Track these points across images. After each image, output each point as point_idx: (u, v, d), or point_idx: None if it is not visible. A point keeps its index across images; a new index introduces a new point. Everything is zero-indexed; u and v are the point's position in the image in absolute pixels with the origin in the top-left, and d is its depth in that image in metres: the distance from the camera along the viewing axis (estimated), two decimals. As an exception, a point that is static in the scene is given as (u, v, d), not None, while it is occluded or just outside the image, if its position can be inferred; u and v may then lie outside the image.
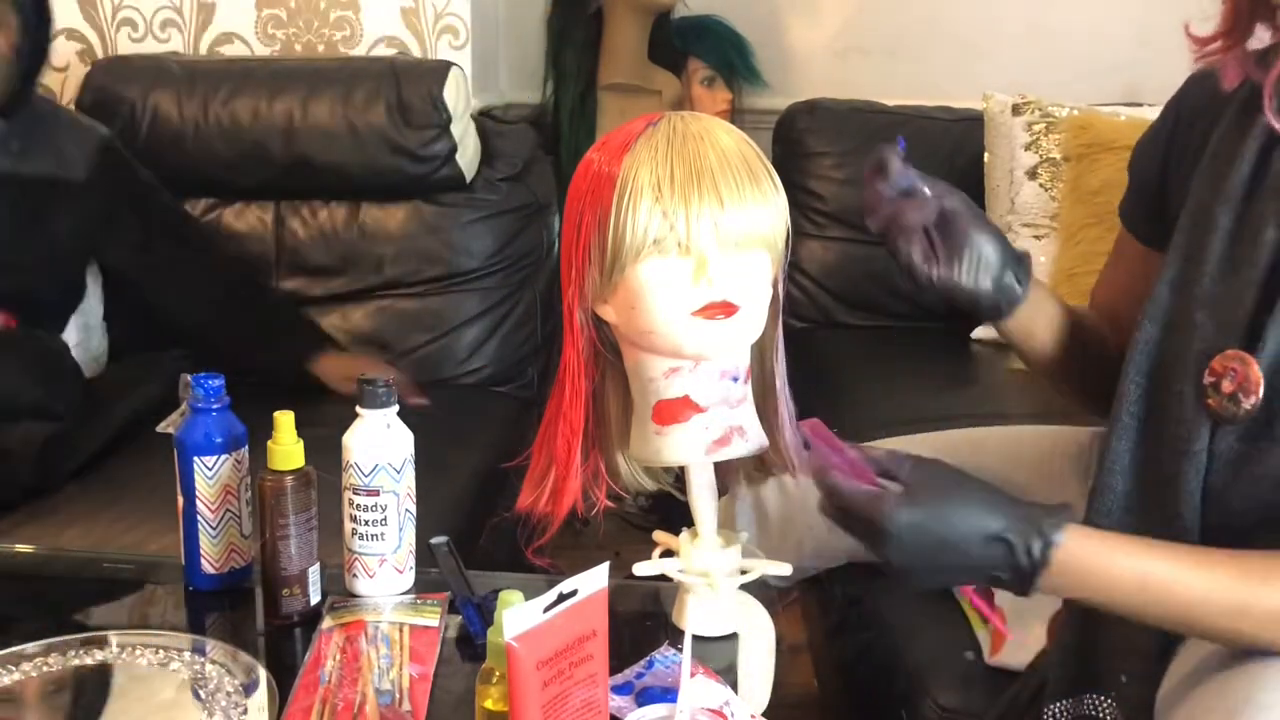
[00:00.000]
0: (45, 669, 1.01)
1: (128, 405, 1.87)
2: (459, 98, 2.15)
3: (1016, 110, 2.37)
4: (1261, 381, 0.91)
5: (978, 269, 1.07)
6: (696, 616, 0.98)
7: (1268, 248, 0.94)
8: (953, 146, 2.46)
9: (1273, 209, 0.95)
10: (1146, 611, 0.87)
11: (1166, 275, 1.01)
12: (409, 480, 1.14)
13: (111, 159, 1.98)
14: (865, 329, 2.48)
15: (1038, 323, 1.14)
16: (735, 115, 2.62)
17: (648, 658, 1.03)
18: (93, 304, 2.05)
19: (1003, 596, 1.17)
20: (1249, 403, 0.91)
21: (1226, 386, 0.92)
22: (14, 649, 1.02)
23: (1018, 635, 1.15)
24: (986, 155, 2.41)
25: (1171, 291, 1.01)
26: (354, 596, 1.15)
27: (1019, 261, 1.09)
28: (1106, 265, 1.27)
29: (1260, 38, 0.99)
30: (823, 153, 2.50)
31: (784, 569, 1.01)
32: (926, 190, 1.06)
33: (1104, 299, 1.24)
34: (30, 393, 1.73)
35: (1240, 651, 0.86)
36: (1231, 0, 0.98)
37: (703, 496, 1.01)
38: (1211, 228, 0.98)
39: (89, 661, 1.02)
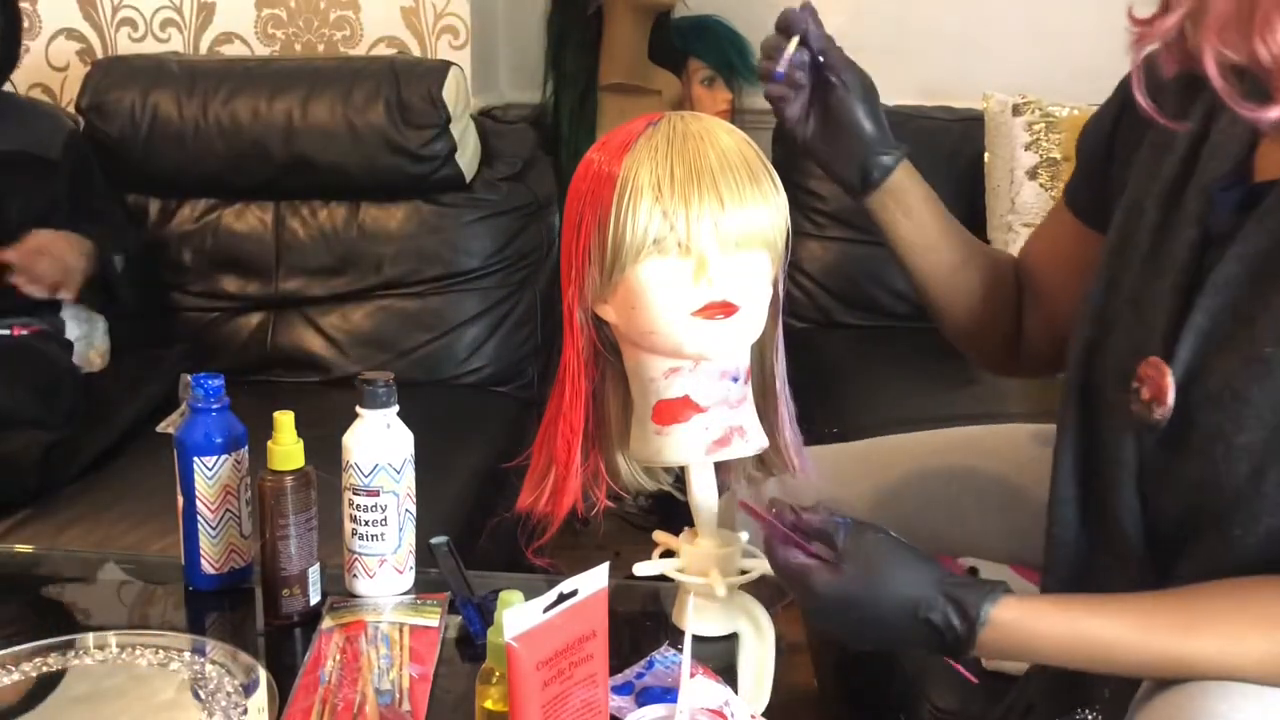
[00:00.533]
0: (45, 669, 1.01)
1: (129, 408, 1.87)
2: (459, 97, 2.15)
3: (1016, 110, 2.37)
4: (1171, 390, 0.88)
5: (850, 141, 1.07)
6: (696, 616, 0.98)
7: (1186, 246, 0.91)
8: (953, 146, 2.46)
9: (1194, 206, 0.92)
10: (1092, 669, 0.86)
11: (1100, 273, 1.00)
12: (409, 480, 1.14)
13: (79, 146, 2.06)
14: (865, 329, 2.48)
15: (906, 208, 1.11)
16: (735, 115, 2.62)
17: (648, 658, 1.03)
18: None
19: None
20: (1159, 412, 0.88)
21: (1145, 394, 0.90)
22: (13, 649, 1.02)
23: None
24: (986, 155, 2.41)
25: (1104, 290, 0.99)
26: (354, 596, 1.15)
27: (895, 146, 1.09)
28: (1040, 230, 1.24)
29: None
30: (823, 153, 2.49)
31: (784, 569, 1.01)
32: (820, 61, 1.06)
33: (1029, 260, 1.21)
34: (32, 404, 1.74)
35: None
36: None
37: (703, 496, 1.01)
38: (1140, 222, 0.96)
39: (89, 661, 1.02)
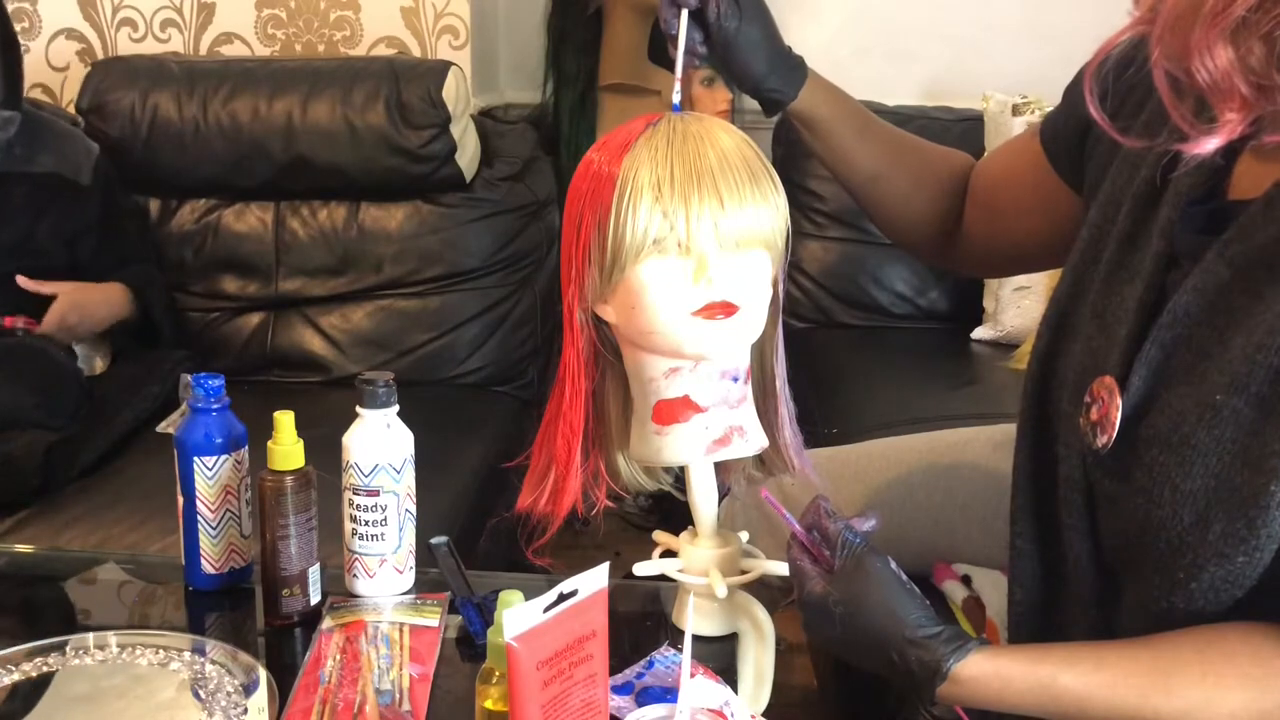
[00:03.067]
0: (45, 669, 1.01)
1: (130, 409, 1.88)
2: (459, 98, 2.15)
3: (1016, 110, 2.37)
4: (1117, 424, 0.84)
5: (745, 78, 1.09)
6: (696, 616, 0.98)
7: (1154, 260, 0.87)
8: (952, 146, 2.45)
9: (1166, 213, 0.87)
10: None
11: (1068, 274, 0.96)
12: (409, 480, 1.14)
13: (108, 171, 2.08)
14: (865, 329, 2.48)
15: (812, 128, 1.14)
16: (735, 115, 2.62)
17: (648, 658, 1.03)
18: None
19: (993, 609, 1.17)
20: (1102, 439, 0.86)
21: (1094, 414, 0.87)
22: (13, 649, 1.02)
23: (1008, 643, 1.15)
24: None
25: (1071, 292, 0.95)
26: (354, 596, 1.15)
27: (790, 73, 1.10)
28: (1005, 148, 1.21)
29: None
30: (823, 153, 2.50)
31: (784, 569, 1.00)
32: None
33: (985, 175, 1.19)
34: (34, 405, 1.75)
35: None
36: None
37: (703, 496, 1.01)
38: (1114, 223, 0.92)
39: (89, 661, 1.02)
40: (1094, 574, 0.91)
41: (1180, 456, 0.81)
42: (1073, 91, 1.11)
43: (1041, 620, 0.97)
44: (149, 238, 2.19)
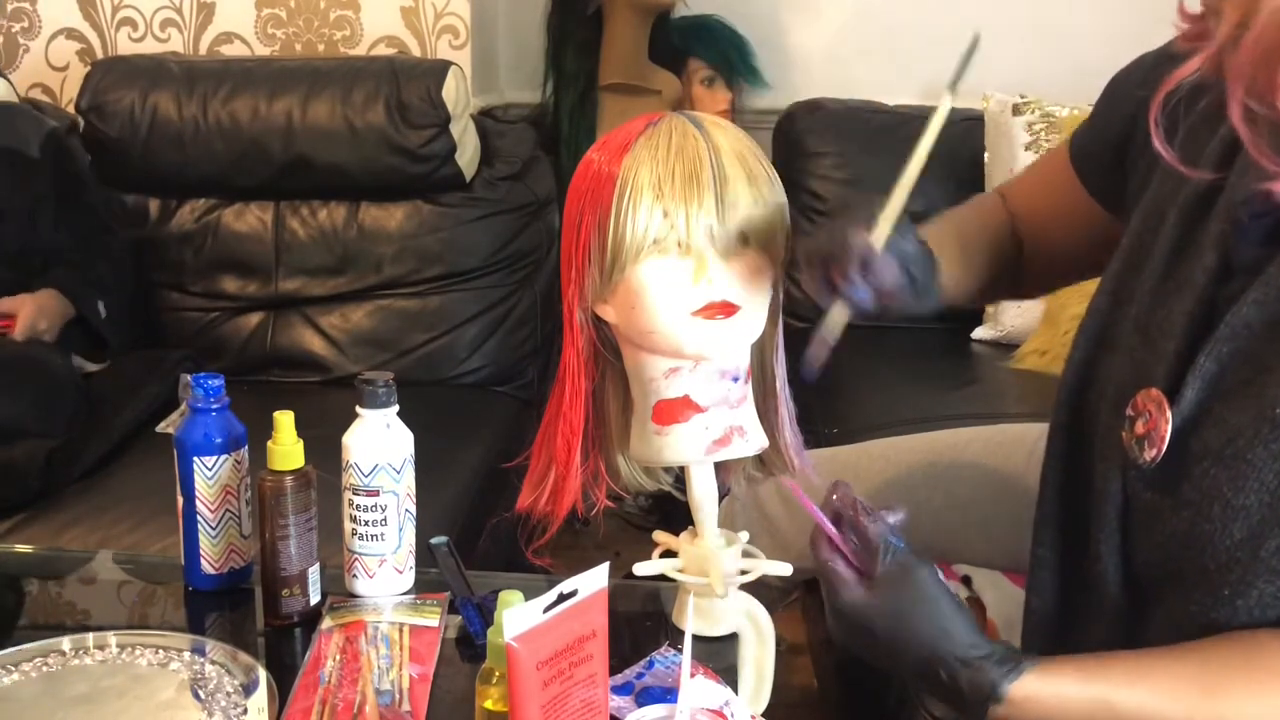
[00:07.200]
0: (45, 669, 1.01)
1: (130, 411, 1.88)
2: (458, 97, 2.15)
3: (1016, 110, 2.37)
4: (1168, 438, 0.83)
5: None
6: (696, 616, 0.98)
7: (1205, 273, 0.85)
8: (953, 146, 2.45)
9: (1218, 226, 0.85)
10: None
11: (1107, 284, 0.95)
12: (409, 480, 1.14)
13: (60, 144, 2.07)
14: (865, 329, 2.45)
15: (960, 287, 1.09)
16: (735, 115, 2.62)
17: (648, 658, 1.03)
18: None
19: (993, 609, 1.17)
20: (1149, 454, 0.84)
21: (1139, 428, 0.85)
22: (14, 649, 1.02)
23: (1009, 644, 1.15)
24: (986, 155, 2.41)
25: (1110, 304, 0.94)
26: (354, 597, 1.15)
27: (927, 270, 0.98)
28: (1030, 176, 1.18)
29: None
30: (823, 153, 2.50)
31: (784, 569, 1.01)
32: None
33: (1018, 210, 1.16)
34: (33, 415, 1.75)
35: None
36: None
37: (703, 496, 1.01)
38: (1159, 234, 0.90)
39: (89, 661, 1.02)
40: (1120, 587, 0.89)
41: (1233, 471, 0.79)
42: (1105, 108, 1.08)
43: (1057, 630, 0.96)
44: (113, 224, 2.17)
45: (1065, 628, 0.96)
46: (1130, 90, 1.02)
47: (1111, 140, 1.04)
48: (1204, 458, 0.82)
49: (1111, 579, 0.89)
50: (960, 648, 0.82)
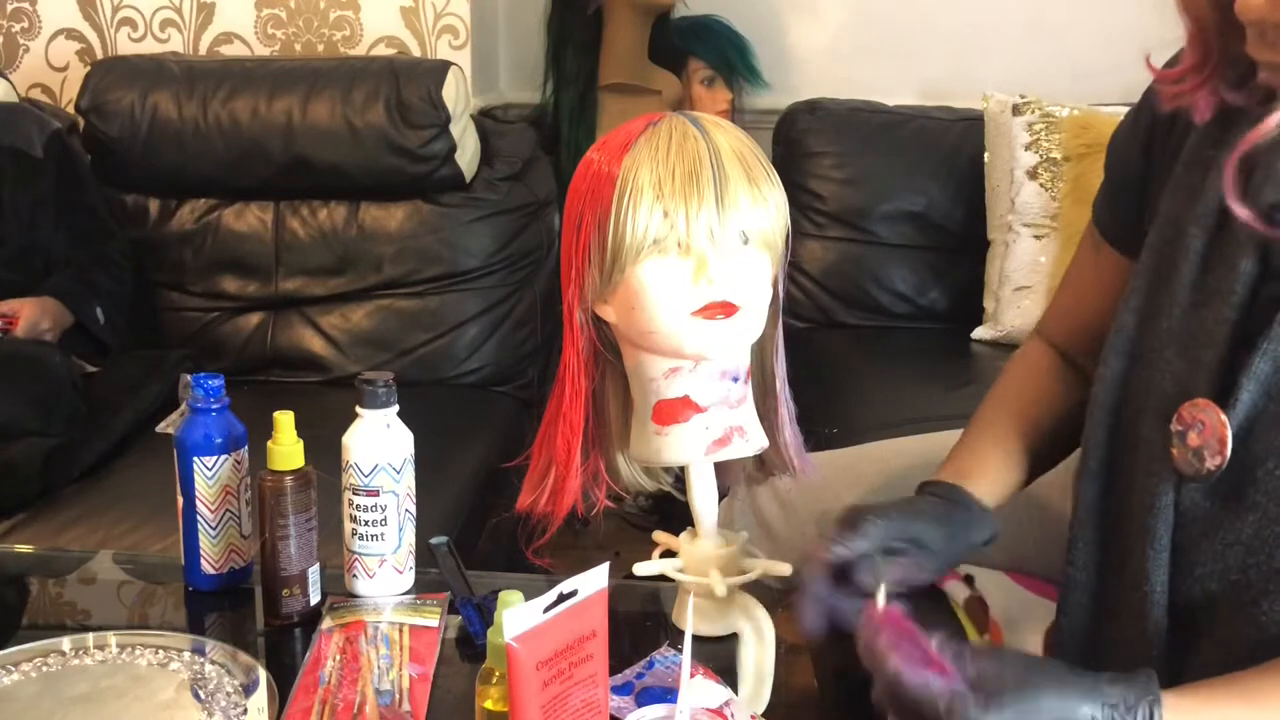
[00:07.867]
0: (45, 669, 1.01)
1: (130, 410, 1.88)
2: (458, 97, 2.15)
3: (1016, 110, 2.37)
4: (1229, 442, 0.82)
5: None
6: (696, 616, 0.98)
7: (1244, 280, 0.85)
8: (953, 146, 2.46)
9: (1249, 232, 0.84)
10: None
11: (1132, 301, 0.93)
12: (409, 480, 1.14)
13: (63, 144, 2.08)
14: (865, 329, 2.48)
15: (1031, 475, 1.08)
16: (735, 115, 2.62)
17: (648, 658, 1.03)
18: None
19: (996, 607, 1.17)
20: (1213, 462, 0.83)
21: (1193, 439, 0.84)
22: (14, 649, 1.02)
23: (1013, 645, 1.15)
24: (986, 155, 2.41)
25: (1139, 320, 0.92)
26: (354, 597, 1.15)
27: (978, 532, 0.99)
28: (1067, 284, 1.14)
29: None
30: (823, 153, 2.50)
31: (784, 569, 1.01)
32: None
33: (1072, 324, 1.12)
34: (32, 415, 1.75)
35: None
36: (1197, 33, 0.85)
37: (703, 496, 1.01)
38: (1182, 249, 0.89)
39: (89, 661, 1.02)
40: (1165, 610, 0.87)
41: None
42: (1115, 155, 1.07)
43: (1089, 651, 0.94)
44: (113, 226, 2.17)
45: (1099, 650, 0.93)
46: (1133, 132, 1.02)
47: (1134, 187, 1.03)
48: (1268, 458, 0.81)
49: (1157, 600, 0.87)
50: (1093, 686, 0.75)
